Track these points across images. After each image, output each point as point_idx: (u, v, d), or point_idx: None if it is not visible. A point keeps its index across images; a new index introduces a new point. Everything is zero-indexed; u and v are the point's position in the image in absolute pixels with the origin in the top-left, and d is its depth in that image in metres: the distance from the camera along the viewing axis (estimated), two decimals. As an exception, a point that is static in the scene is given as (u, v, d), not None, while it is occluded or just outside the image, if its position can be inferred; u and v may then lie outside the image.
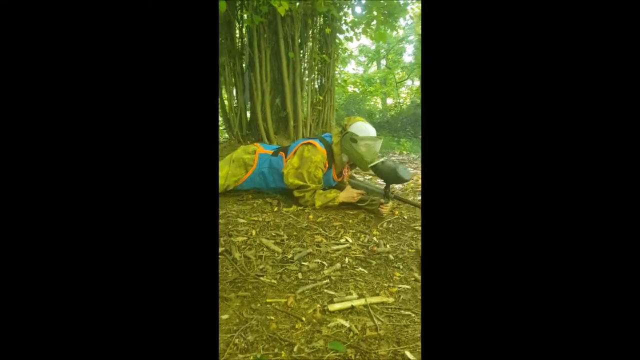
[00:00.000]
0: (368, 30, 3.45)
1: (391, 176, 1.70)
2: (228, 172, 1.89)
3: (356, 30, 3.35)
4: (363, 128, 1.75)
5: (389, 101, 9.23)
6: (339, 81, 5.52)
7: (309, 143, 1.80)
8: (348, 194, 1.78)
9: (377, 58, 9.78)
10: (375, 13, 3.38)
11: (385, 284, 1.14)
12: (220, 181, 1.88)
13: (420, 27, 7.37)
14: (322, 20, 3.03)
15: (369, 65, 10.47)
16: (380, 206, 1.75)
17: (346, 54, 6.27)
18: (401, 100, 8.91)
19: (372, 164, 1.73)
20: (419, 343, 0.86)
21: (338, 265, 1.25)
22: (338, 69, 5.59)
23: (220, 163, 1.91)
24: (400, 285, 1.13)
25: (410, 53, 9.65)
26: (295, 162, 1.78)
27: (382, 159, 1.74)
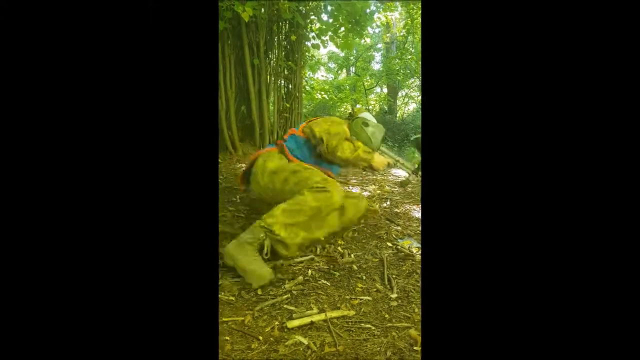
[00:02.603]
0: (335, 37, 3.47)
1: None
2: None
3: (323, 37, 3.36)
4: (371, 117, 1.82)
5: (359, 107, 9.36)
6: (307, 88, 5.52)
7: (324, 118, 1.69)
8: (378, 161, 1.72)
9: (347, 65, 9.90)
10: (342, 21, 3.41)
11: (347, 297, 1.12)
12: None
13: (386, 35, 7.51)
14: (287, 27, 3.01)
15: (339, 72, 10.59)
16: (405, 182, 1.85)
17: (314, 60, 6.30)
18: (370, 107, 9.05)
19: (415, 137, 1.82)
20: (379, 357, 0.85)
21: (300, 278, 1.22)
22: (307, 76, 5.59)
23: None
24: (362, 297, 1.12)
25: (378, 60, 9.84)
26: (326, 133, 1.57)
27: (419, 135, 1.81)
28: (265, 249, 1.22)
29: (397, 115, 8.56)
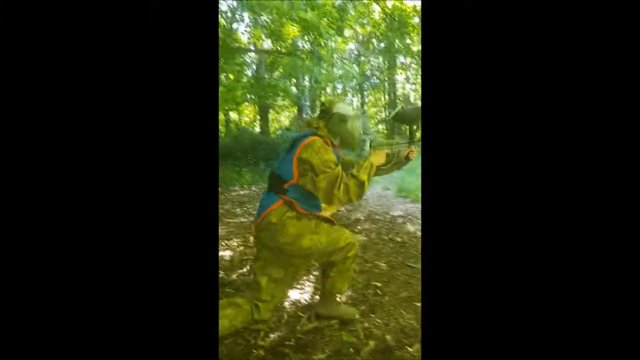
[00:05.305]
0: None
1: (415, 115, 1.54)
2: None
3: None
4: (347, 108, 1.67)
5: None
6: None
7: (310, 142, 1.45)
8: (378, 157, 1.58)
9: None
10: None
11: None
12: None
13: (255, 57, 7.60)
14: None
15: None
16: (410, 154, 1.69)
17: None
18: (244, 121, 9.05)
19: (393, 114, 1.62)
20: None
21: None
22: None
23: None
24: None
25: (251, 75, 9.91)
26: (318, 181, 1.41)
27: (398, 108, 1.66)
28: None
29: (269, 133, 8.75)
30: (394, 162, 1.67)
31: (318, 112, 1.64)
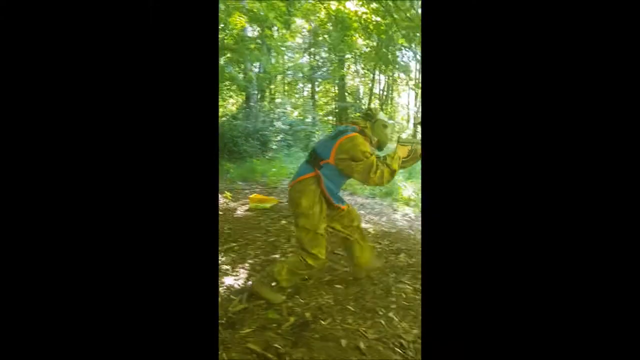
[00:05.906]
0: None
1: None
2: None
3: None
4: (384, 117, 1.99)
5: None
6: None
7: (353, 136, 1.74)
8: (403, 151, 1.91)
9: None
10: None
11: None
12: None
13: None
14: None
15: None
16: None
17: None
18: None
19: (421, 119, 2.00)
20: None
21: None
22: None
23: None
24: None
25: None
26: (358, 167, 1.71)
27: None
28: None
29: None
30: (411, 157, 2.00)
31: (363, 114, 1.96)
